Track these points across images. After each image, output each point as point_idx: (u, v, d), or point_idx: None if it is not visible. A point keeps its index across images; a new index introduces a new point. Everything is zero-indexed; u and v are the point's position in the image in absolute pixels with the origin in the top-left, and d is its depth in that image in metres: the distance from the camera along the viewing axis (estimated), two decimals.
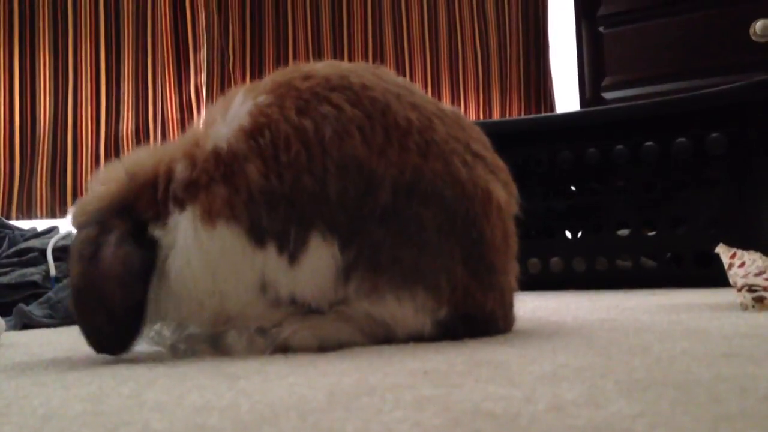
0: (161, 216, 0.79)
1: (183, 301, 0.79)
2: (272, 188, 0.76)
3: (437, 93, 2.81)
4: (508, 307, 0.87)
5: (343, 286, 0.78)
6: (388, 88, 0.83)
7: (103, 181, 0.83)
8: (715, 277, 1.34)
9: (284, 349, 0.79)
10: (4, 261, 1.51)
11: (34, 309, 1.38)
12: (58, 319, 1.39)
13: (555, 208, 1.89)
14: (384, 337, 0.80)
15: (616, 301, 1.36)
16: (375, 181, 0.77)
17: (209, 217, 0.77)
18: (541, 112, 3.02)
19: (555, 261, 1.89)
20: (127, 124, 2.31)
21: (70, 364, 0.81)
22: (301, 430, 0.42)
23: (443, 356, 0.69)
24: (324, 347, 0.79)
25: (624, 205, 1.82)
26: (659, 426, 0.39)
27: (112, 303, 0.76)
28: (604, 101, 2.90)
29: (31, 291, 1.45)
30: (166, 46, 2.40)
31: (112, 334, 0.78)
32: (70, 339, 1.11)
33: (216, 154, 0.79)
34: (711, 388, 0.49)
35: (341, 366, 0.67)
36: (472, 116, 2.88)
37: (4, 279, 1.45)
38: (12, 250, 1.54)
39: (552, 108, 3.06)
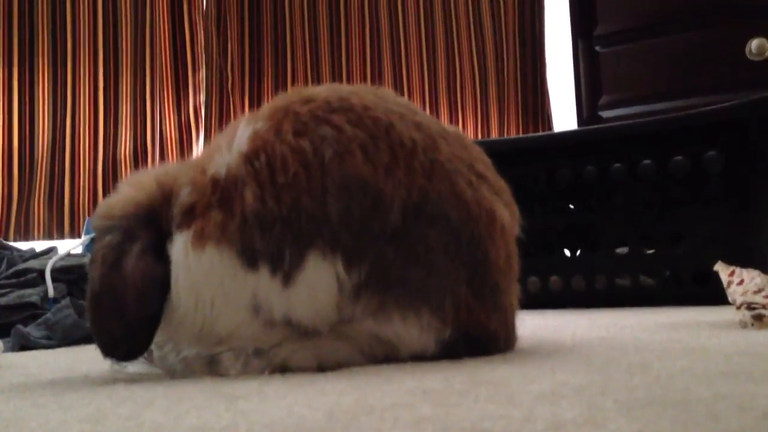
0: (171, 234, 0.80)
1: (170, 318, 0.80)
2: (267, 210, 0.76)
3: (435, 113, 2.82)
4: (510, 327, 0.87)
5: (352, 305, 0.77)
6: (390, 108, 0.84)
7: (134, 185, 0.84)
8: (714, 295, 1.34)
9: (282, 369, 0.78)
10: (3, 282, 1.50)
11: (32, 330, 1.38)
12: (56, 340, 1.38)
13: (554, 227, 1.89)
14: (385, 356, 0.80)
15: (615, 319, 1.35)
16: (384, 200, 0.77)
17: (199, 240, 0.77)
18: (539, 131, 3.03)
19: (554, 279, 1.89)
20: (125, 145, 2.32)
21: (67, 384, 0.80)
22: None
23: (442, 375, 0.69)
24: (323, 367, 0.78)
25: (622, 223, 1.82)
26: None
27: (129, 312, 0.77)
28: (602, 120, 2.91)
29: (30, 312, 1.45)
30: (165, 67, 2.40)
31: (124, 341, 0.79)
32: (68, 360, 1.10)
33: (215, 181, 0.80)
34: (710, 407, 0.48)
35: (340, 385, 0.66)
36: (471, 135, 2.89)
37: (2, 300, 1.45)
38: (10, 271, 1.53)
39: (550, 127, 3.07)
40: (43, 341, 1.37)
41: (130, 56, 2.35)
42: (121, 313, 0.77)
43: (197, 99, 2.44)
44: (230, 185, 0.79)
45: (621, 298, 1.78)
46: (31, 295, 1.46)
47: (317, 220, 0.76)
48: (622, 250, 1.83)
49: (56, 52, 2.28)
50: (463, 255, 0.79)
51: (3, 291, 1.47)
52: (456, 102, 2.86)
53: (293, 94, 0.86)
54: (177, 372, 0.81)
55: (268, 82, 2.54)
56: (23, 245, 1.86)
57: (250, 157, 0.79)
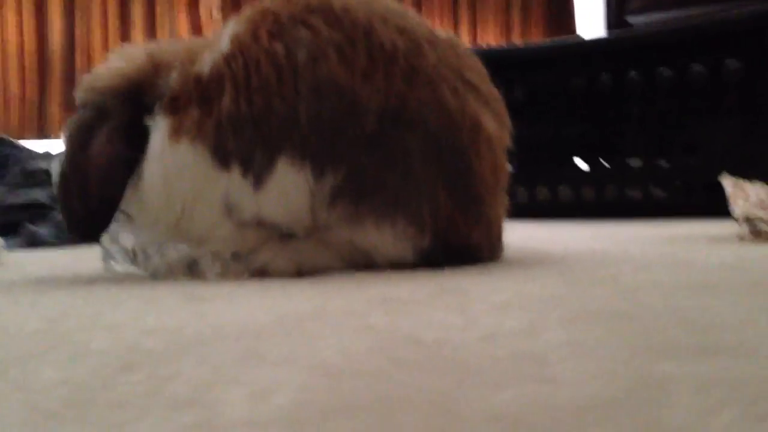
0: (153, 111, 0.80)
1: (144, 208, 0.81)
2: (240, 112, 0.76)
3: (454, 16, 2.75)
4: (495, 238, 0.87)
5: (327, 212, 0.77)
6: (374, 10, 0.81)
7: (125, 56, 0.84)
8: (725, 207, 1.32)
9: (262, 273, 0.79)
10: (12, 181, 1.53)
11: (41, 229, 1.41)
12: (64, 239, 1.41)
13: (565, 136, 1.86)
14: (364, 263, 0.80)
15: (618, 231, 1.35)
16: (359, 105, 0.76)
17: (176, 133, 0.78)
18: (563, 36, 2.95)
19: (564, 189, 1.87)
20: None
21: (53, 283, 0.82)
22: (229, 352, 0.43)
23: (411, 284, 0.69)
24: (301, 272, 0.79)
25: (635, 134, 1.78)
26: (579, 356, 0.39)
27: (90, 193, 0.80)
28: (629, 26, 2.82)
29: (39, 211, 1.47)
30: None
31: (85, 220, 0.82)
32: (69, 259, 1.13)
33: (198, 78, 0.80)
34: (654, 319, 0.48)
35: (306, 292, 0.67)
36: (492, 40, 2.81)
37: (11, 199, 1.48)
38: (18, 169, 1.55)
39: (573, 32, 2.98)
40: (51, 239, 1.39)
41: None
42: (84, 193, 0.79)
43: (211, 17, 2.40)
44: (210, 84, 0.78)
45: (631, 210, 1.77)
46: (40, 194, 1.49)
47: (287, 124, 0.76)
48: (635, 161, 1.81)
49: None
50: (443, 164, 0.78)
51: (12, 190, 1.50)
52: (475, 6, 2.78)
53: None
54: (160, 274, 0.83)
55: None
56: (40, 145, 1.88)
57: (228, 59, 0.78)
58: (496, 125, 0.84)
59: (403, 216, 0.77)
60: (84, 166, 0.79)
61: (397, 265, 0.79)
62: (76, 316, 0.58)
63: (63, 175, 0.80)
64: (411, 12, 0.88)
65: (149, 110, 0.80)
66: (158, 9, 2.35)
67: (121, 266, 0.89)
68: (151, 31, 2.34)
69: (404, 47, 0.79)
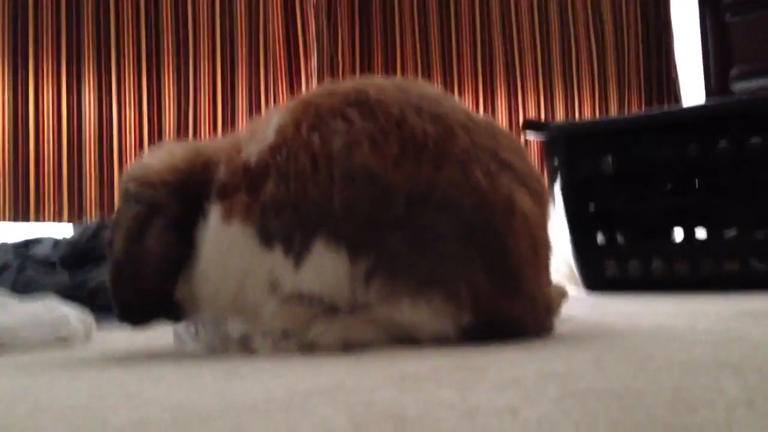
0: (203, 207, 0.87)
1: (203, 286, 0.87)
2: (281, 197, 0.82)
3: (548, 90, 2.76)
4: (540, 312, 0.87)
5: (365, 291, 0.81)
6: (408, 101, 0.86)
7: (175, 150, 0.92)
8: None
9: (310, 349, 0.82)
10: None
11: None
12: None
13: (657, 208, 1.82)
14: (407, 338, 0.82)
15: (701, 306, 1.30)
16: (389, 191, 0.80)
17: (228, 216, 0.84)
18: (664, 106, 2.90)
19: (657, 262, 1.82)
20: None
21: (118, 360, 0.88)
22: (222, 430, 0.46)
23: (438, 360, 0.71)
24: (348, 347, 0.82)
25: (732, 204, 1.73)
26: None
27: (145, 285, 0.86)
28: (732, 93, 2.75)
29: None
30: (278, 56, 2.50)
31: (138, 308, 0.89)
32: (156, 334, 1.19)
33: (246, 166, 0.86)
34: (645, 399, 0.48)
35: (339, 366, 0.70)
36: (587, 113, 2.80)
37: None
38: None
39: (677, 101, 2.93)
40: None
41: (245, 45, 2.46)
42: (139, 284, 0.86)
43: (309, 86, 2.52)
44: (257, 172, 0.85)
45: (729, 283, 1.70)
46: None
47: (322, 208, 0.80)
48: (730, 232, 1.74)
49: (179, 47, 2.41)
50: (477, 241, 0.80)
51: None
52: (572, 78, 2.79)
53: (322, 87, 0.91)
54: (216, 349, 0.88)
55: (378, 68, 2.58)
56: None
57: (273, 150, 0.85)
58: (533, 202, 0.85)
59: (439, 294, 0.79)
60: (139, 259, 0.86)
61: (439, 340, 0.81)
62: (115, 393, 0.63)
63: (117, 264, 0.87)
64: (448, 98, 0.92)
65: (198, 202, 0.87)
66: (263, 94, 2.49)
67: (190, 344, 0.95)
68: (256, 98, 2.47)
69: (435, 134, 0.83)
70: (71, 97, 2.29)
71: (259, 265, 0.83)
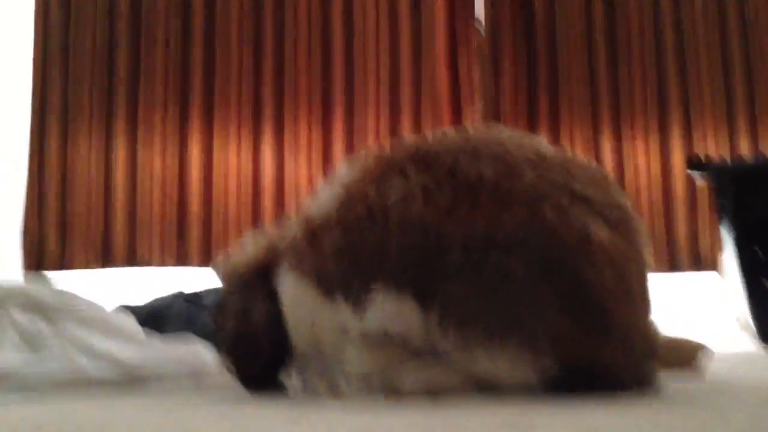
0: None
1: (293, 336, 0.93)
2: (338, 245, 0.86)
3: (730, 127, 2.56)
4: (637, 355, 0.82)
5: (442, 339, 0.81)
6: (464, 148, 0.87)
7: (252, 243, 1.01)
8: None
9: (394, 393, 0.84)
10: None
11: None
12: None
13: None
14: (489, 387, 0.81)
15: None
16: (443, 239, 0.81)
17: (292, 270, 0.91)
18: None
19: None
20: None
21: (206, 402, 0.94)
22: None
23: (485, 413, 0.70)
24: (431, 392, 0.82)
25: None
26: None
27: (263, 353, 0.95)
28: None
29: None
30: (442, 102, 2.54)
31: (260, 376, 0.96)
32: None
33: (308, 221, 0.92)
34: None
35: (386, 415, 0.71)
36: (711, 149, 2.55)
37: None
38: None
39: None
40: None
41: (410, 94, 2.52)
42: (256, 355, 0.95)
43: None
44: (317, 226, 0.90)
45: None
46: None
47: (379, 257, 0.83)
48: None
49: (347, 96, 2.53)
50: (552, 280, 0.77)
51: None
52: (688, 112, 2.59)
53: (397, 140, 0.95)
54: (306, 394, 0.91)
55: (542, 116, 2.54)
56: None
57: (335, 202, 0.90)
58: (612, 233, 0.81)
59: (515, 340, 0.78)
60: (250, 335, 0.95)
61: (522, 391, 0.78)
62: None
63: (232, 344, 0.97)
64: (514, 136, 0.91)
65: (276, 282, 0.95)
66: (427, 125, 2.53)
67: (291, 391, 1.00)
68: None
69: (494, 175, 0.83)
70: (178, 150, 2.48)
71: (322, 312, 0.88)
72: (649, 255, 0.86)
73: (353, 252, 0.85)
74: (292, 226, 0.95)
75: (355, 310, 0.84)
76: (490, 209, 0.81)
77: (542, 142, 0.92)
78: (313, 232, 0.90)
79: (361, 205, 0.86)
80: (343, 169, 0.95)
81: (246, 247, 1.01)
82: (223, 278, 1.01)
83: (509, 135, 0.92)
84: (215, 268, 1.03)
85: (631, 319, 0.81)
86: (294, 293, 0.91)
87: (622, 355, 0.79)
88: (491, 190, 0.82)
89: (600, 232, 0.80)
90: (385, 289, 0.82)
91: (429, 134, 0.94)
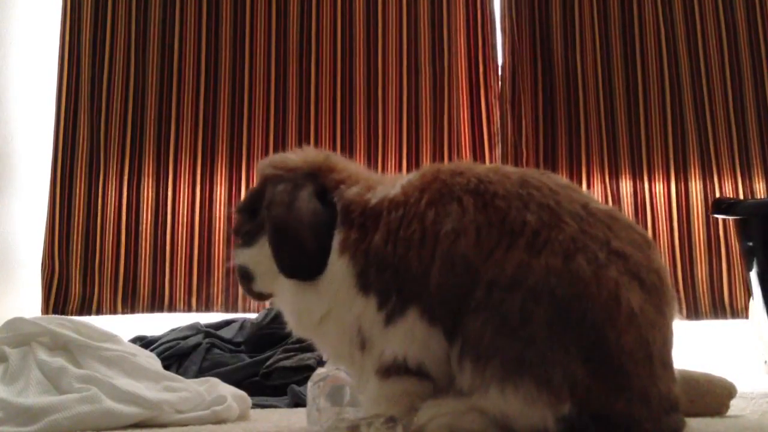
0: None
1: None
2: (385, 253, 0.88)
3: (746, 169, 2.56)
4: (658, 410, 0.82)
5: (460, 374, 0.82)
6: (519, 194, 0.87)
7: (305, 151, 1.03)
8: None
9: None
10: (290, 346, 1.73)
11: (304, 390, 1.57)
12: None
13: None
14: (507, 428, 0.80)
15: None
16: (477, 278, 0.82)
17: (342, 246, 0.92)
18: None
19: None
20: None
21: None
22: None
23: None
24: None
25: None
26: None
27: (304, 240, 0.94)
28: None
29: (307, 374, 1.64)
30: (463, 144, 2.55)
31: (304, 265, 0.95)
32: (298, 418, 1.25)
33: (368, 206, 0.93)
34: None
35: None
36: (730, 191, 2.55)
37: (287, 362, 1.67)
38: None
39: None
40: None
41: (430, 136, 2.54)
42: (299, 241, 0.94)
43: None
44: (372, 215, 0.92)
45: None
46: (309, 358, 1.67)
47: (420, 283, 0.85)
48: None
49: (369, 140, 2.55)
50: (573, 331, 0.78)
51: (288, 354, 1.70)
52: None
53: (454, 164, 0.96)
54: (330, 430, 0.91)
55: (561, 157, 2.54)
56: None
57: (391, 203, 0.92)
58: (643, 297, 0.81)
59: (529, 380, 0.78)
60: (295, 220, 0.94)
61: None
62: None
63: (277, 233, 0.95)
64: (568, 187, 0.91)
65: (326, 190, 0.97)
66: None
67: (315, 426, 1.00)
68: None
69: (536, 223, 0.84)
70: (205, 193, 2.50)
71: (351, 303, 0.89)
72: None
73: (398, 267, 0.87)
74: (351, 182, 0.97)
75: (386, 321, 0.87)
76: (523, 254, 0.82)
77: (593, 197, 0.92)
78: (366, 220, 0.92)
79: (417, 223, 0.88)
80: (405, 174, 0.97)
81: (293, 153, 1.02)
82: (268, 168, 1.02)
83: (565, 186, 0.91)
84: (262, 164, 1.04)
85: (652, 380, 0.81)
86: (335, 269, 0.91)
87: (640, 408, 0.80)
88: (530, 237, 0.83)
89: (632, 296, 0.80)
90: (420, 317, 0.85)
91: (491, 168, 0.93)
